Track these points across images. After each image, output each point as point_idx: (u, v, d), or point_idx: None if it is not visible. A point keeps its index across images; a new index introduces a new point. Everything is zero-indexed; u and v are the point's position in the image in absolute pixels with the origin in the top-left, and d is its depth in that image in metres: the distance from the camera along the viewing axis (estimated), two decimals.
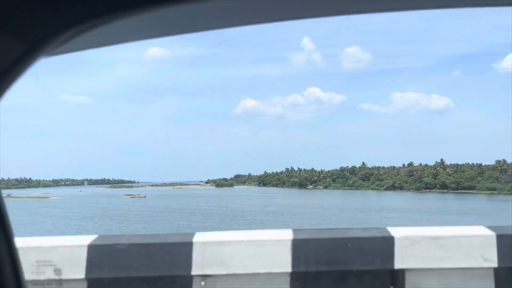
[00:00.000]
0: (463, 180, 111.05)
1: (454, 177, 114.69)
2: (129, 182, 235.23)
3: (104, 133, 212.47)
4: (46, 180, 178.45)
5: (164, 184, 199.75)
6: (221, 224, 40.75)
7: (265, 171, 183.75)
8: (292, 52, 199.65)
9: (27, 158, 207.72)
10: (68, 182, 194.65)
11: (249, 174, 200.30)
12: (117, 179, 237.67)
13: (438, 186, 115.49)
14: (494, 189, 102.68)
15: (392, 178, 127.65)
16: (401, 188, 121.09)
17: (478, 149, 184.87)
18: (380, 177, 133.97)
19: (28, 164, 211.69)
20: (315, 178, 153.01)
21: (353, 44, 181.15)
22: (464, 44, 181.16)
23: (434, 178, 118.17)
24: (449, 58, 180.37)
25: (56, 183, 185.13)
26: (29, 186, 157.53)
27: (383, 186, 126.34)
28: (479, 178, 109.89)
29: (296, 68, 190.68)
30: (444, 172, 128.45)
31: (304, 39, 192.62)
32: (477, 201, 79.06)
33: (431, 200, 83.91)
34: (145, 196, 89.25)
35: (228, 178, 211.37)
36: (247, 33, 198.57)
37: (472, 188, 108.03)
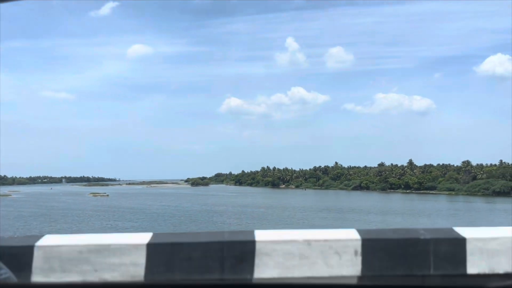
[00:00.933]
0: (425, 180, 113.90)
1: (417, 177, 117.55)
2: (110, 180, 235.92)
3: (86, 131, 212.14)
4: (22, 178, 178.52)
5: (143, 183, 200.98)
6: (151, 223, 42.58)
7: (243, 170, 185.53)
8: (276, 52, 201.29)
9: (4, 155, 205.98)
10: (46, 180, 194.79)
11: (230, 173, 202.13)
12: (97, 177, 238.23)
13: (402, 186, 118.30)
14: (453, 190, 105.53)
15: (359, 178, 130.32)
16: (367, 188, 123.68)
17: (457, 150, 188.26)
18: (349, 177, 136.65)
19: (5, 161, 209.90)
20: (288, 177, 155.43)
21: (337, 45, 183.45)
22: (446, 47, 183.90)
23: (399, 179, 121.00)
24: (431, 60, 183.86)
25: (32, 180, 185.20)
26: (3, 184, 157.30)
27: (350, 186, 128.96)
28: (441, 179, 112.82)
29: (280, 67, 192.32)
30: (411, 172, 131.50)
31: (288, 39, 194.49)
32: (429, 202, 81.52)
33: (383, 200, 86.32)
34: (108, 195, 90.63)
35: (209, 176, 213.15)
36: (232, 32, 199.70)
37: (433, 188, 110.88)
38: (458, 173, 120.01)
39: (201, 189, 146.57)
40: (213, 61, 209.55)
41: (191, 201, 74.74)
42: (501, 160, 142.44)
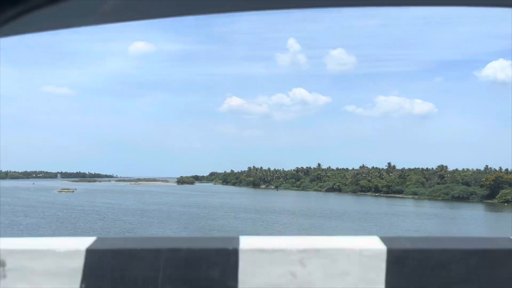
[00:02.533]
0: (393, 184, 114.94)
1: (386, 180, 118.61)
2: (106, 176, 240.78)
3: (86, 127, 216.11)
4: (15, 172, 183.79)
5: (137, 179, 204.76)
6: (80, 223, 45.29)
7: (232, 170, 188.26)
8: (277, 52, 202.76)
9: (1, 149, 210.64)
10: (41, 175, 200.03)
11: (225, 172, 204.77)
12: (93, 173, 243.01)
13: (373, 189, 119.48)
14: (416, 194, 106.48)
15: (333, 180, 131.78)
16: (339, 190, 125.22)
17: (456, 154, 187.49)
18: (325, 179, 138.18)
19: (2, 155, 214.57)
20: (269, 178, 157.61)
21: (338, 47, 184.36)
22: (448, 51, 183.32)
23: (369, 181, 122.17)
24: (434, 64, 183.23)
25: (26, 175, 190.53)
26: None
27: (324, 187, 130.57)
28: (408, 183, 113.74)
29: (281, 68, 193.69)
30: (387, 175, 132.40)
31: (289, 40, 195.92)
32: (374, 205, 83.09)
33: (336, 201, 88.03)
34: (73, 191, 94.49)
35: (205, 175, 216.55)
36: (235, 31, 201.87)
37: (400, 192, 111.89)
38: (434, 178, 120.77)
39: (181, 187, 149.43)
40: (215, 60, 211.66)
41: (140, 200, 77.39)
42: (486, 166, 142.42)
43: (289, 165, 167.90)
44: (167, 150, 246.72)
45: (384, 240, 2.29)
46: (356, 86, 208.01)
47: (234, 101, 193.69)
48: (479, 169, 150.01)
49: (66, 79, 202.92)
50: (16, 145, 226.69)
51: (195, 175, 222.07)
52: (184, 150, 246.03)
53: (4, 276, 2.02)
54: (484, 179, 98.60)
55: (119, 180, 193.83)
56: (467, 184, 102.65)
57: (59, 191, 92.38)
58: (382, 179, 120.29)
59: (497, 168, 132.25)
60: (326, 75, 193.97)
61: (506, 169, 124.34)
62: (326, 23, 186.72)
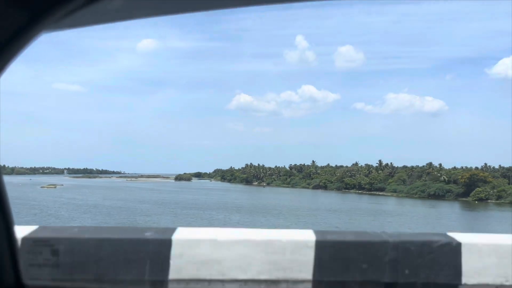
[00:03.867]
0: (376, 181, 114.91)
1: (369, 178, 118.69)
2: (114, 172, 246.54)
3: (96, 123, 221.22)
4: (22, 168, 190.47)
5: (140, 176, 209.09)
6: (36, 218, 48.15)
7: (231, 166, 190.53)
8: (286, 50, 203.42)
9: (13, 145, 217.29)
10: (48, 171, 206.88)
11: (230, 168, 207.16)
12: (100, 169, 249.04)
13: (356, 187, 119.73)
14: (395, 191, 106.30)
15: (320, 178, 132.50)
16: (325, 187, 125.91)
17: (466, 151, 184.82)
18: (313, 176, 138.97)
19: (13, 151, 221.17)
20: (262, 174, 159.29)
21: (347, 44, 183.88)
22: (459, 47, 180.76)
23: (353, 179, 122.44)
24: (444, 61, 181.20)
25: (33, 171, 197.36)
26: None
27: (311, 184, 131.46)
28: (390, 180, 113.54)
29: (289, 65, 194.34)
30: (376, 173, 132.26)
31: (298, 37, 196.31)
32: (352, 202, 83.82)
33: (310, 197, 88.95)
34: (55, 187, 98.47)
35: (208, 172, 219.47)
36: (245, 28, 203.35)
37: (382, 189, 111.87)
38: (422, 175, 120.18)
39: (177, 184, 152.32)
40: (224, 58, 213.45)
41: (109, 196, 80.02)
42: (485, 163, 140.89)
43: (296, 163, 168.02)
44: (176, 147, 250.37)
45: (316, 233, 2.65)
46: (366, 83, 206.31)
47: (243, 98, 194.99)
48: (477, 167, 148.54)
49: (77, 76, 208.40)
50: (26, 141, 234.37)
51: (198, 172, 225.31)
52: (193, 147, 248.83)
53: None
54: (460, 176, 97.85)
55: (121, 177, 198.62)
56: (449, 182, 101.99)
57: (42, 187, 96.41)
58: (366, 176, 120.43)
59: (497, 166, 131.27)
60: (335, 72, 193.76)
61: (484, 166, 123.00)
62: (336, 19, 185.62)
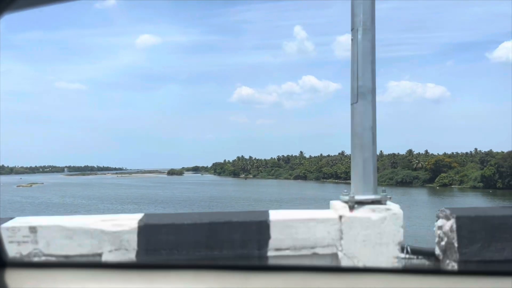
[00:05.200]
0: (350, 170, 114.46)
1: (344, 166, 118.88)
2: (116, 169, 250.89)
3: (97, 121, 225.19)
4: (21, 167, 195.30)
5: (137, 171, 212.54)
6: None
7: (225, 160, 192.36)
8: (285, 41, 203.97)
9: (15, 145, 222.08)
10: (47, 169, 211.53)
11: (224, 161, 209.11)
12: (101, 166, 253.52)
13: (334, 176, 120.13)
14: None
15: (300, 168, 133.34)
16: (305, 177, 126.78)
17: (470, 137, 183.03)
18: (296, 167, 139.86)
19: (16, 151, 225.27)
20: (249, 167, 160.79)
21: (345, 33, 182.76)
22: (461, 32, 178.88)
23: (331, 168, 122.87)
24: (445, 47, 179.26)
25: (33, 170, 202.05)
26: (0, 173, 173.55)
27: (292, 175, 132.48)
28: None
29: (289, 56, 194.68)
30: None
31: (296, 28, 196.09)
32: (310, 189, 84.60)
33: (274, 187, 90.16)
34: (31, 185, 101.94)
35: (207, 166, 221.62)
36: (245, 20, 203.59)
37: None
38: (404, 162, 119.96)
39: (167, 178, 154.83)
40: (225, 51, 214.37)
41: (78, 194, 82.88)
42: (475, 149, 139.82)
43: (296, 153, 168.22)
44: (179, 142, 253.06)
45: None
46: None
47: (244, 91, 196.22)
48: (467, 152, 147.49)
49: (78, 74, 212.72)
50: (27, 141, 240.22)
51: (196, 166, 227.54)
52: (196, 142, 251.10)
53: None
54: (426, 162, 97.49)
55: (119, 173, 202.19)
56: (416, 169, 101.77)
57: (18, 186, 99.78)
58: (342, 165, 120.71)
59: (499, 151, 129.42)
60: (335, 61, 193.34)
61: (475, 151, 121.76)
62: (336, 8, 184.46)
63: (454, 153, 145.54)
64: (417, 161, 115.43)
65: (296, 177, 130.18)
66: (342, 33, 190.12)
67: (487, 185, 79.70)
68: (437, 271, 2.12)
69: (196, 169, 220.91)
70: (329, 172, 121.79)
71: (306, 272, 1.22)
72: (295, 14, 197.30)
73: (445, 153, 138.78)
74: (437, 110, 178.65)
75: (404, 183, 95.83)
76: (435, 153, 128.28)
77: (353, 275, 1.21)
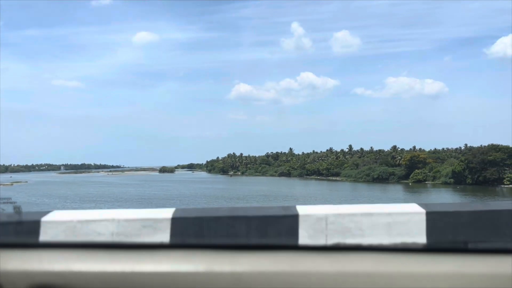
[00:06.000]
0: (332, 167, 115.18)
1: (326, 163, 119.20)
2: (113, 167, 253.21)
3: (95, 118, 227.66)
4: (17, 165, 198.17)
5: (132, 169, 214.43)
6: None
7: (218, 157, 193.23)
8: (282, 37, 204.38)
9: (12, 143, 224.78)
10: (44, 168, 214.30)
11: (217, 158, 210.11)
12: (99, 164, 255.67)
13: (316, 173, 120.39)
14: (345, 176, 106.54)
15: (285, 165, 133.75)
16: (289, 174, 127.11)
17: (467, 133, 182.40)
18: (282, 164, 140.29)
19: (4, 149, 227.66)
20: (238, 164, 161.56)
21: (344, 29, 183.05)
22: (459, 28, 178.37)
23: (314, 165, 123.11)
24: (443, 43, 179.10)
25: (28, 168, 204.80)
26: None
27: (277, 172, 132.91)
28: (345, 165, 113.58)
29: (287, 53, 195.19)
30: (344, 158, 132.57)
31: (293, 24, 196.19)
32: (284, 185, 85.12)
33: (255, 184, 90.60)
34: (12, 184, 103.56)
35: (201, 163, 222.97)
36: (243, 17, 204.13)
37: (338, 174, 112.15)
38: (388, 159, 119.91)
39: (157, 176, 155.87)
40: (223, 47, 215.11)
41: (57, 192, 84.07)
42: (465, 144, 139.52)
43: (296, 150, 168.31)
44: (177, 139, 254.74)
45: None
46: (365, 68, 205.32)
47: (243, 88, 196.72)
48: (457, 148, 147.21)
49: (76, 72, 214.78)
50: (24, 139, 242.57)
51: (191, 163, 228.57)
52: (195, 139, 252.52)
53: None
54: (402, 159, 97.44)
55: (113, 171, 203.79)
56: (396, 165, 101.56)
57: (2, 185, 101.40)
58: (324, 162, 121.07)
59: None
60: (333, 58, 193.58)
61: (465, 147, 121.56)
62: (336, 4, 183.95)
63: (445, 149, 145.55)
64: (400, 157, 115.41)
65: (281, 174, 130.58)
66: (339, 29, 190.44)
67: (457, 181, 79.65)
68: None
69: (191, 167, 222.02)
70: (312, 168, 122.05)
71: (294, 251, 1.20)
72: (292, 10, 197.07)
73: (435, 148, 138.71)
74: (435, 105, 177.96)
75: (381, 180, 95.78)
76: (426, 149, 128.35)
77: (342, 253, 1.18)
